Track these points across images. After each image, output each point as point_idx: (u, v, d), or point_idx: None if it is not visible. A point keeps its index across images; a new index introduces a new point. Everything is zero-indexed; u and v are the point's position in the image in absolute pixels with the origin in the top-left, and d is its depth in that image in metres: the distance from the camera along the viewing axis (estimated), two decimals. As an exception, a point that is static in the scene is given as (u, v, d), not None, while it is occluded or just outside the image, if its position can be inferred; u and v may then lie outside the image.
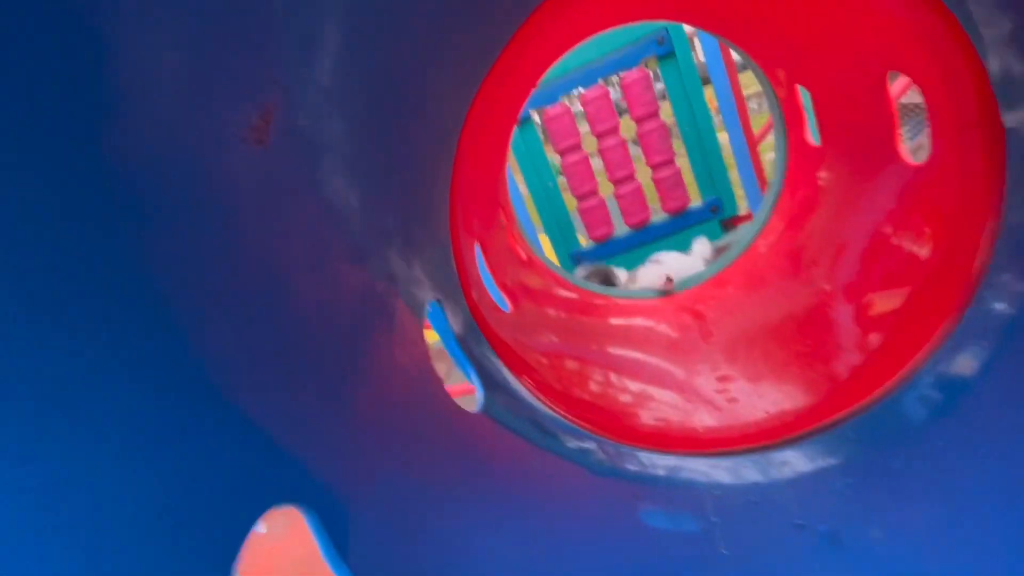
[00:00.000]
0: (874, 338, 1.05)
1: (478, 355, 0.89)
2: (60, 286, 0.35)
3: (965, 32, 0.73)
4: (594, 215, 2.85)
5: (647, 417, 1.14)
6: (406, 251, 0.76)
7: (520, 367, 1.03)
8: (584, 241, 2.97)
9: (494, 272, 1.38)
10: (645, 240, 2.81)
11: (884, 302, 1.06)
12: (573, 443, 0.94)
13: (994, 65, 0.70)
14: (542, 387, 1.03)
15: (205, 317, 0.46)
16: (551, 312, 1.57)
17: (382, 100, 0.70)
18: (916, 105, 3.22)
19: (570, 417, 1.02)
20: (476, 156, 1.16)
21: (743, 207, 2.84)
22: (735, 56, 2.54)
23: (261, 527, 0.39)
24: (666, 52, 2.54)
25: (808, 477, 0.90)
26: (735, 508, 0.88)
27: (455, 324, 0.86)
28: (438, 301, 0.82)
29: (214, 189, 0.45)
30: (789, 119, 1.46)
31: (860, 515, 0.79)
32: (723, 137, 2.77)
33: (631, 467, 0.96)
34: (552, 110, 2.72)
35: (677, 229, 2.78)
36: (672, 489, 0.94)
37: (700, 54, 2.95)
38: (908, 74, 0.91)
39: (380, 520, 0.53)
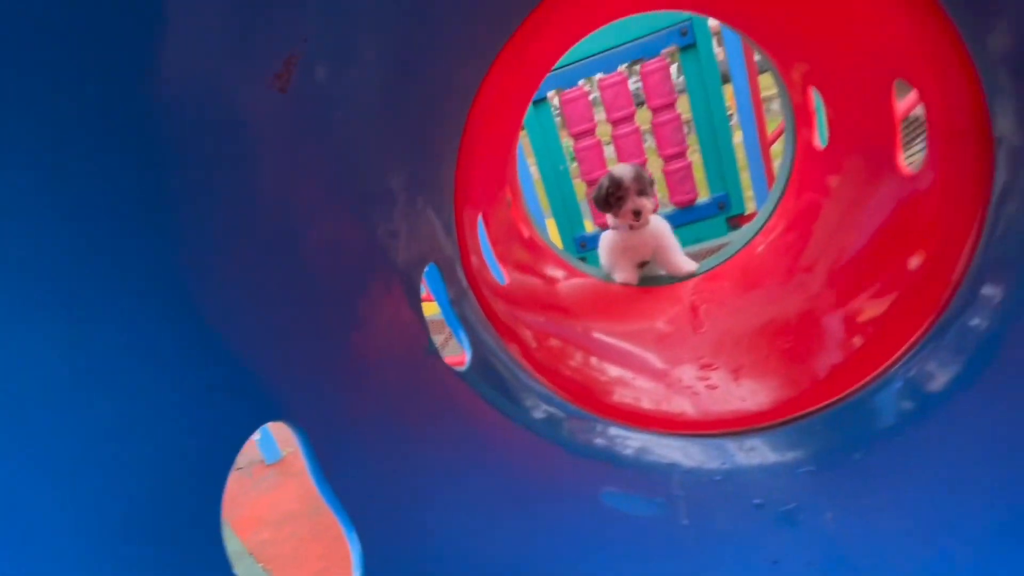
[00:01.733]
0: (856, 341, 1.09)
1: (471, 319, 0.93)
2: (96, 209, 0.39)
3: (965, 47, 0.75)
4: (602, 202, 2.87)
5: (621, 396, 1.18)
6: (409, 211, 0.80)
7: (508, 335, 1.07)
8: (590, 227, 3.00)
9: (494, 245, 1.42)
10: (650, 231, 2.83)
11: (871, 308, 1.09)
12: (543, 412, 0.98)
13: (988, 78, 0.72)
14: (527, 355, 1.07)
15: (215, 248, 0.50)
16: (543, 291, 1.60)
17: (398, 64, 0.73)
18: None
19: (549, 385, 1.07)
20: (486, 130, 1.19)
21: (751, 207, 2.86)
22: (756, 57, 2.53)
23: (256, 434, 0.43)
24: (688, 44, 2.53)
25: (772, 463, 0.94)
26: (700, 486, 0.93)
27: (451, 288, 0.90)
28: (436, 263, 0.86)
29: (238, 130, 0.48)
30: (800, 120, 1.48)
31: (816, 499, 0.83)
32: (737, 136, 2.78)
33: (600, 442, 1.00)
34: (569, 93, 2.73)
35: (684, 222, 2.80)
36: (638, 470, 0.97)
37: (722, 52, 2.93)
38: (912, 81, 0.93)
39: (362, 452, 0.57)
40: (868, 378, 0.95)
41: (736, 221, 2.83)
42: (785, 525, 0.81)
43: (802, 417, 1.01)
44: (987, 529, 0.67)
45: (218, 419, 0.41)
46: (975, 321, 0.80)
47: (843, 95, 1.22)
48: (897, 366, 0.92)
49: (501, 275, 1.31)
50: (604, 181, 1.78)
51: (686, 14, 2.46)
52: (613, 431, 1.03)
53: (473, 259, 1.06)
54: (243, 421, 0.43)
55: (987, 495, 0.68)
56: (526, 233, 1.78)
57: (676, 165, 2.77)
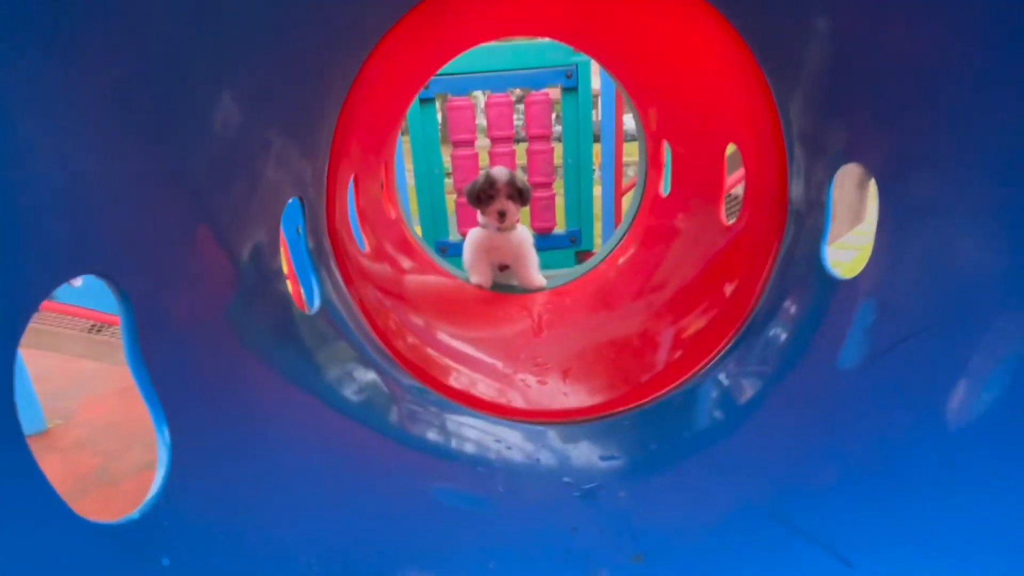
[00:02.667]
0: (677, 354, 1.25)
1: (324, 267, 0.90)
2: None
3: (781, 127, 0.95)
4: (469, 212, 2.94)
5: (457, 380, 1.22)
6: (286, 147, 0.76)
7: (356, 294, 1.05)
8: (452, 236, 3.05)
9: (361, 214, 1.39)
10: (508, 249, 2.97)
11: (695, 325, 1.26)
12: (374, 373, 0.96)
13: (790, 152, 0.91)
14: (368, 316, 1.06)
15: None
16: (392, 278, 1.60)
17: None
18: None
19: (388, 352, 1.07)
20: (371, 99, 1.18)
21: (598, 243, 3.14)
22: (625, 127, 2.86)
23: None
24: (571, 87, 2.76)
25: (583, 450, 1.04)
26: (516, 464, 0.99)
27: (312, 234, 0.87)
28: (300, 199, 0.83)
29: None
30: (651, 168, 1.69)
31: (614, 480, 0.94)
32: (597, 189, 3.07)
33: (432, 437, 1.01)
34: (457, 100, 2.79)
35: (539, 248, 2.97)
36: (468, 463, 1.00)
37: (597, 114, 3.23)
38: (740, 147, 1.13)
39: (187, 344, 0.52)
40: (676, 383, 1.10)
41: (584, 256, 3.09)
42: (586, 499, 0.90)
43: (615, 414, 1.13)
44: (750, 509, 0.81)
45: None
46: (776, 331, 0.97)
47: (686, 149, 1.43)
48: (701, 372, 1.08)
49: (363, 242, 1.29)
50: (480, 177, 1.85)
51: (575, 57, 2.69)
52: (445, 407, 1.05)
53: (337, 217, 1.03)
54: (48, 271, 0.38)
55: (761, 481, 0.83)
56: (393, 215, 1.77)
57: (542, 194, 2.95)
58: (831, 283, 0.87)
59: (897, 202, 0.72)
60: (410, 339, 1.24)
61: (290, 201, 0.80)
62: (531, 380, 1.29)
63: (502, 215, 1.80)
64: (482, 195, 1.81)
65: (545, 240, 3.01)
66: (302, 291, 0.92)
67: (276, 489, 0.56)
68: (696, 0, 0.92)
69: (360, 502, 0.68)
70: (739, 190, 2.13)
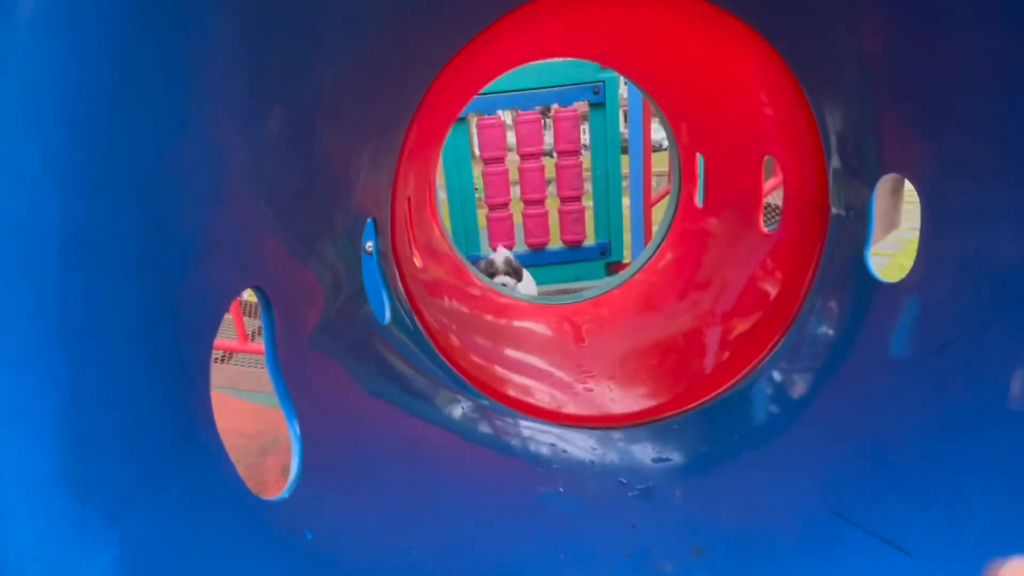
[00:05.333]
0: (724, 355, 1.29)
1: (392, 279, 0.98)
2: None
3: (820, 137, 0.99)
4: (500, 227, 3.03)
5: (515, 390, 1.28)
6: (371, 175, 0.84)
7: (417, 309, 1.12)
8: (484, 250, 3.13)
9: (412, 231, 1.47)
10: (539, 262, 3.03)
11: (740, 325, 1.30)
12: (450, 403, 1.03)
13: (834, 165, 0.96)
14: (429, 330, 1.13)
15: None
16: (447, 296, 1.67)
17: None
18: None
19: (452, 368, 1.13)
20: (425, 124, 1.26)
21: (628, 255, 3.18)
22: (653, 136, 2.92)
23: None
24: (598, 102, 2.83)
25: (634, 453, 1.09)
26: (575, 466, 1.05)
27: (382, 253, 0.94)
28: (373, 220, 0.90)
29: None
30: (685, 178, 1.74)
31: (669, 480, 0.98)
32: (626, 200, 3.12)
33: (493, 437, 1.07)
34: (487, 119, 2.88)
35: (569, 260, 3.04)
36: (531, 464, 1.06)
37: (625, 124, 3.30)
38: (778, 158, 1.18)
39: (317, 353, 0.59)
40: (724, 386, 1.14)
41: (614, 267, 3.13)
42: (642, 498, 0.95)
43: (664, 418, 1.17)
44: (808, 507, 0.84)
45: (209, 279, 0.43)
46: (823, 329, 1.00)
47: (721, 161, 1.47)
48: (749, 375, 1.12)
49: (416, 259, 1.36)
50: (484, 262, 2.55)
51: (602, 74, 2.76)
52: (506, 413, 1.11)
53: (399, 233, 1.11)
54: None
55: (815, 476, 0.86)
56: (438, 231, 1.85)
57: (571, 207, 3.02)
58: (875, 285, 0.91)
59: (938, 208, 0.76)
60: (473, 357, 1.30)
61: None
62: (578, 387, 1.34)
63: (504, 284, 2.33)
64: (486, 273, 2.41)
65: (575, 252, 3.07)
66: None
67: (379, 478, 0.62)
68: (733, 20, 0.98)
69: (442, 496, 0.75)
70: (773, 198, 2.16)
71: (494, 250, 3.01)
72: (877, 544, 0.75)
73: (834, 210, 0.98)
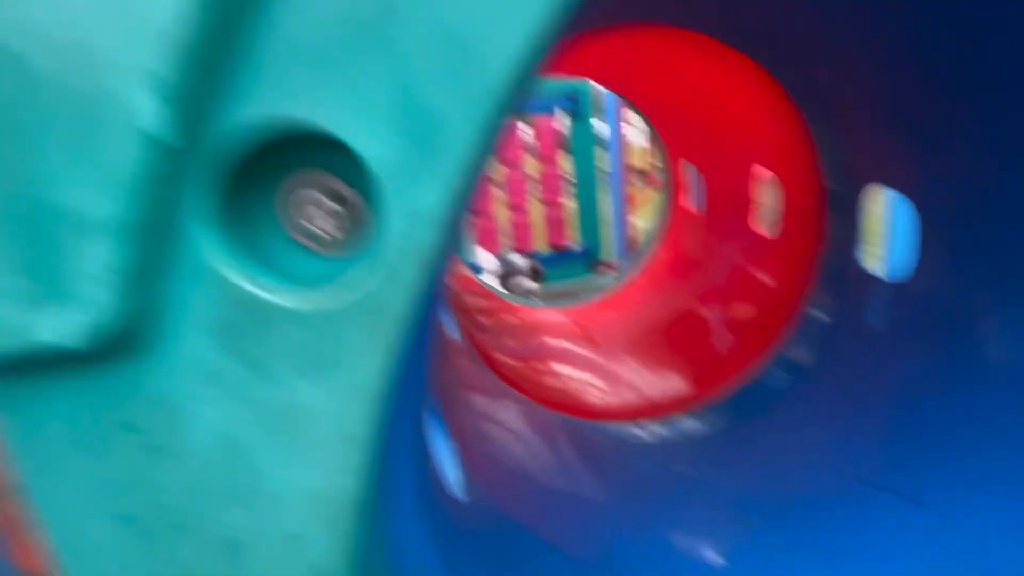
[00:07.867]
0: (734, 343, 1.42)
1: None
2: None
3: (816, 150, 1.14)
4: (486, 233, 3.13)
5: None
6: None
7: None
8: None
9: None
10: (527, 265, 3.15)
11: (741, 311, 1.44)
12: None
13: (830, 176, 1.11)
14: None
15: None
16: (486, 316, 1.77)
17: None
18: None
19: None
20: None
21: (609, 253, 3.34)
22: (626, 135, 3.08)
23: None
24: (574, 109, 2.96)
25: (669, 435, 1.21)
26: (616, 453, 1.17)
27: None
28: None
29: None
30: (675, 185, 1.88)
31: (704, 460, 1.11)
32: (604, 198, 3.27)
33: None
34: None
35: (556, 262, 3.17)
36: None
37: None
38: (777, 174, 1.32)
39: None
40: (735, 373, 1.28)
41: (596, 265, 3.28)
42: (679, 480, 1.08)
43: (683, 406, 1.30)
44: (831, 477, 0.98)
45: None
46: (820, 315, 1.15)
47: (715, 175, 1.62)
48: (757, 360, 1.26)
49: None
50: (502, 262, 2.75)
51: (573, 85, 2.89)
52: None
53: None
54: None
55: (829, 453, 1.01)
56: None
57: (555, 211, 3.14)
58: (869, 279, 1.06)
59: (930, 216, 0.91)
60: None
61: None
62: (598, 383, 1.46)
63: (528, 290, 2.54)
64: (505, 275, 2.62)
65: (562, 254, 3.20)
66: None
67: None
68: (736, 55, 1.11)
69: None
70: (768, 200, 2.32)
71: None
72: (892, 498, 0.90)
73: (832, 217, 1.13)
